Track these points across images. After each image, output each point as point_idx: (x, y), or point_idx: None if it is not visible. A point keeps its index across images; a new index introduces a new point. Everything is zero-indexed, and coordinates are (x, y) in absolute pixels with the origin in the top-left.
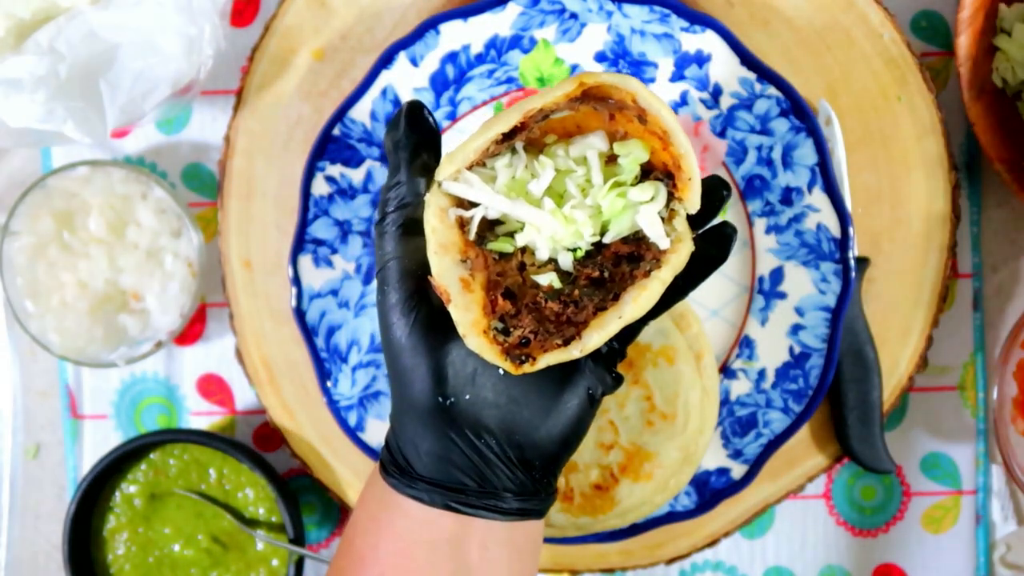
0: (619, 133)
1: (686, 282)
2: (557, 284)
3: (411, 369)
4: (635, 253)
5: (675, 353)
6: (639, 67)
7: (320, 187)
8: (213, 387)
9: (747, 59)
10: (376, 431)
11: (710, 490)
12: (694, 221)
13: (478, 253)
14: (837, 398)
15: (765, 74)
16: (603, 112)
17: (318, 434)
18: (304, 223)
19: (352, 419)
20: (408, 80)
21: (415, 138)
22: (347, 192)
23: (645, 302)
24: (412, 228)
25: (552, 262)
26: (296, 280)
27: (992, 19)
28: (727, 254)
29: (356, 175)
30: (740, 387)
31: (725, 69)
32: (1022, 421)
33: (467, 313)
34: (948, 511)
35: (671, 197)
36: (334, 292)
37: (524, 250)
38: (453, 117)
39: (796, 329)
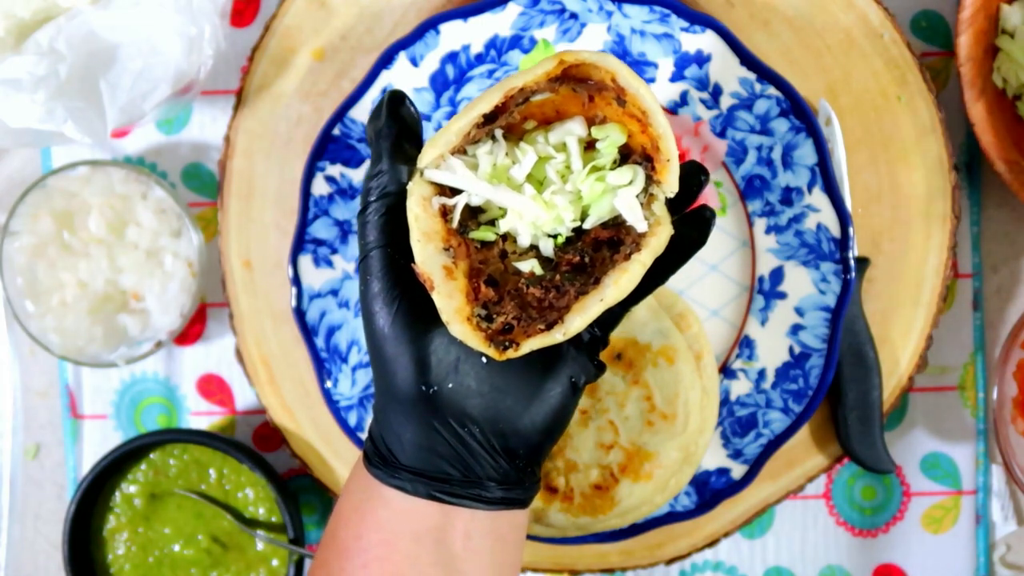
0: (598, 117)
1: (666, 266)
2: (539, 270)
3: (394, 358)
4: (615, 238)
5: (675, 353)
6: (639, 67)
7: (320, 187)
8: (213, 387)
9: (747, 59)
10: None
11: (710, 490)
12: (673, 206)
13: (460, 241)
14: (837, 398)
15: (765, 74)
16: (582, 94)
17: (318, 434)
18: (304, 223)
19: (352, 419)
20: (408, 80)
21: (397, 127)
22: (347, 192)
23: (626, 285)
24: (394, 217)
25: (533, 249)
26: (296, 280)
27: (993, 19)
28: (706, 237)
29: (356, 175)
30: (740, 387)
31: (725, 69)
32: (1022, 421)
33: (450, 301)
34: (948, 511)
35: (650, 181)
36: (334, 292)
37: (505, 238)
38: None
39: (796, 329)
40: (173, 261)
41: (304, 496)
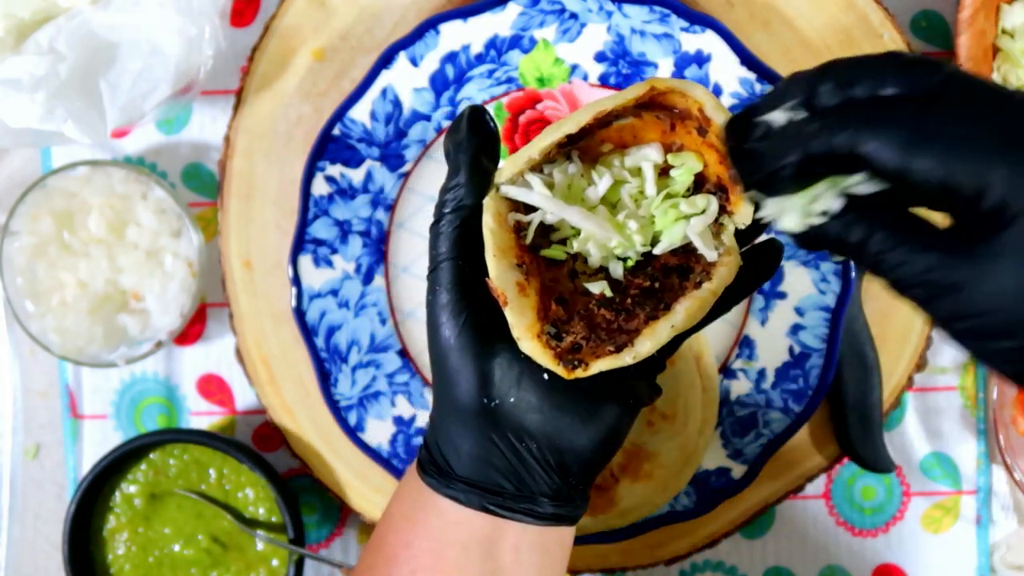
0: (675, 145)
1: (731, 296)
2: (609, 292)
3: (458, 370)
4: (684, 265)
5: (675, 353)
6: (639, 67)
7: (320, 187)
8: (213, 387)
9: (747, 59)
10: (376, 431)
11: (710, 490)
12: (740, 236)
13: (532, 258)
14: (837, 398)
15: (765, 74)
16: (664, 121)
17: (318, 434)
18: (304, 223)
19: (352, 419)
20: (408, 80)
21: (476, 141)
22: (347, 192)
23: (697, 312)
24: (467, 230)
25: (602, 271)
26: (296, 280)
27: (993, 19)
28: (775, 270)
29: (356, 175)
30: (740, 387)
31: (725, 69)
32: (1022, 421)
33: (522, 317)
34: (948, 511)
35: (722, 211)
36: (334, 292)
37: (575, 257)
38: (453, 117)
39: (796, 329)
40: (173, 261)
41: (304, 496)
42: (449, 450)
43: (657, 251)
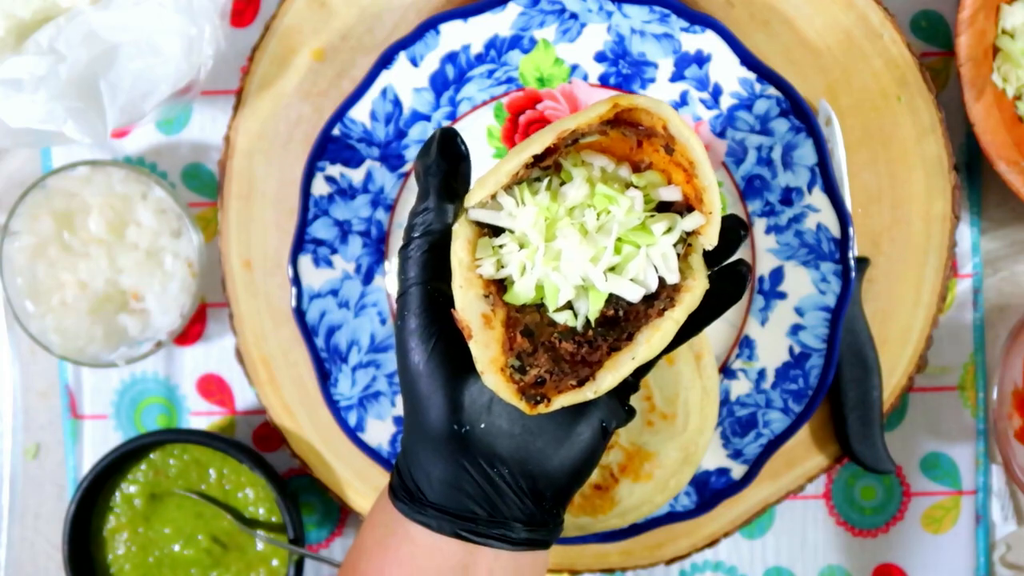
0: (643, 163)
1: (699, 320)
2: (572, 322)
3: (427, 396)
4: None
5: (675, 353)
6: (639, 67)
7: (320, 187)
8: (213, 387)
9: (747, 59)
10: (376, 431)
11: (710, 490)
12: (710, 258)
13: (499, 288)
14: (837, 398)
15: (765, 74)
16: (631, 139)
17: (318, 434)
18: (304, 223)
19: (352, 419)
20: (408, 80)
21: (446, 165)
22: (347, 192)
23: (658, 342)
24: (436, 255)
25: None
26: (296, 280)
27: (993, 19)
28: (742, 292)
29: (356, 175)
30: (740, 387)
31: (725, 69)
32: (1021, 421)
33: (486, 350)
34: (948, 511)
35: (689, 232)
36: (334, 292)
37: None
38: (453, 117)
39: (796, 329)
40: (173, 261)
41: (304, 496)
42: (420, 476)
43: (621, 289)
